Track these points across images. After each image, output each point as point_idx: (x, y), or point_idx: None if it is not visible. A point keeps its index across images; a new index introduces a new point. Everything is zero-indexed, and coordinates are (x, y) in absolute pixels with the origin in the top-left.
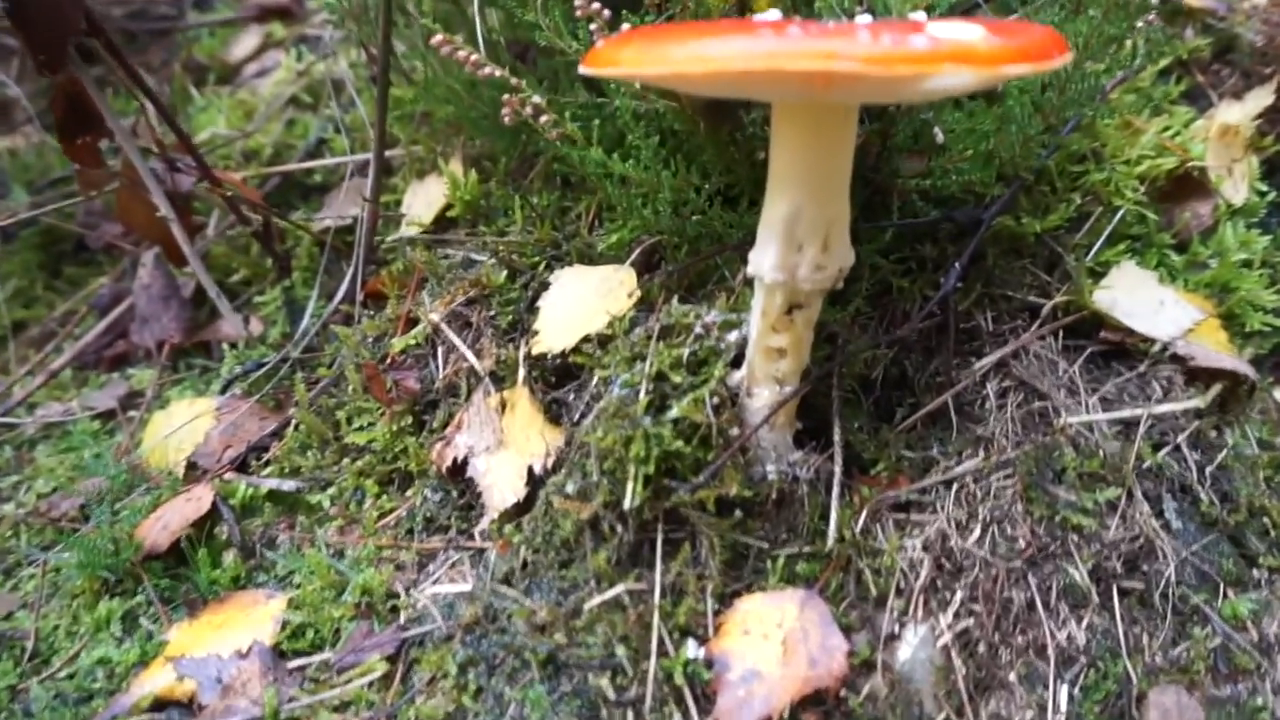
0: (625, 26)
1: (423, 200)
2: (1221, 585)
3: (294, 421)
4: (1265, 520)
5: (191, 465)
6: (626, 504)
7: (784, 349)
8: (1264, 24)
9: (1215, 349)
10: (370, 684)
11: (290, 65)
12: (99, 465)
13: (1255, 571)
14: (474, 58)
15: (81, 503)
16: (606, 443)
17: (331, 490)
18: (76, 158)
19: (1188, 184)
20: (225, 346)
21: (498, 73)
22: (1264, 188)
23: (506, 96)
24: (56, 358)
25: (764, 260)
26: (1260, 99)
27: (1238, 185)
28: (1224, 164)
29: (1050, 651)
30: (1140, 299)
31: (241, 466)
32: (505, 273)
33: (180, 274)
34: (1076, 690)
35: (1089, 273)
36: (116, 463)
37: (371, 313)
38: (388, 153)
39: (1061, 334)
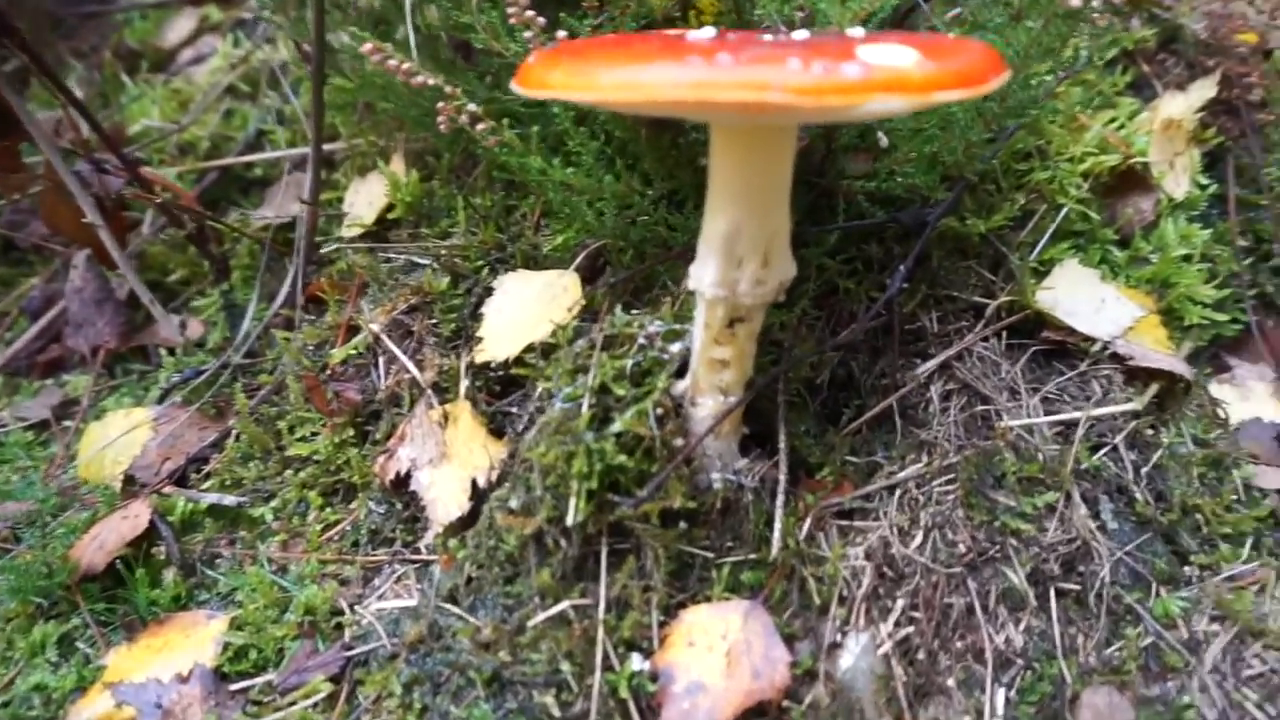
0: (561, 34)
1: (365, 198)
2: (1154, 584)
3: (235, 432)
4: (1198, 517)
5: (129, 479)
6: (569, 520)
7: (727, 360)
8: (1206, 15)
9: (1154, 347)
10: (314, 705)
11: (227, 53)
12: (28, 489)
13: (1187, 569)
14: (406, 66)
15: (11, 524)
16: (549, 459)
17: (274, 503)
18: None
19: (1130, 179)
20: (163, 352)
21: (431, 81)
22: (1205, 180)
23: (441, 105)
24: None
25: (704, 276)
26: (1203, 91)
27: (1179, 179)
28: (1166, 158)
29: (988, 655)
30: (1082, 297)
31: (180, 479)
32: (448, 279)
33: (114, 275)
34: (1013, 693)
35: (1033, 271)
36: (45, 485)
37: (313, 317)
38: (329, 146)
39: (1005, 334)
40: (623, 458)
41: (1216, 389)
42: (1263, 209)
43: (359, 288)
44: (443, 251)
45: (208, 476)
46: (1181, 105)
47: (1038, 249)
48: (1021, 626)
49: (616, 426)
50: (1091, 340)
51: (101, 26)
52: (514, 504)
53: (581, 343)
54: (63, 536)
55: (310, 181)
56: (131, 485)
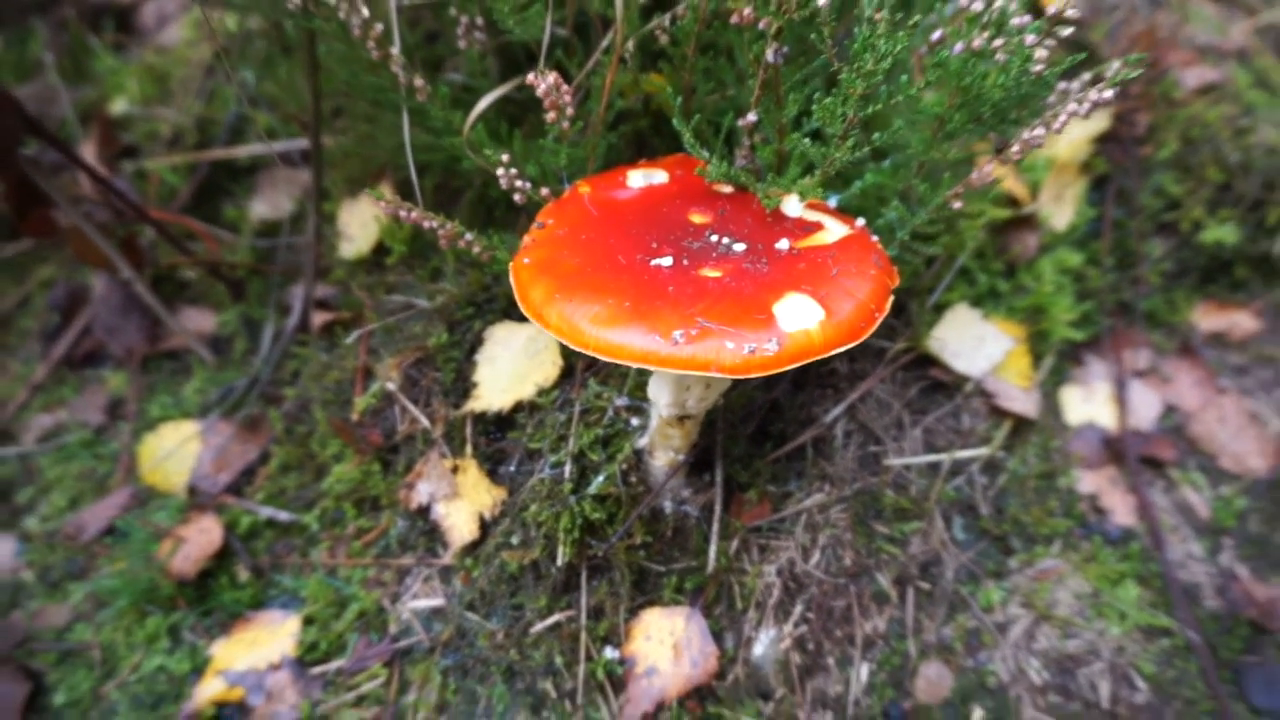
0: (544, 191)
1: (358, 220)
2: (983, 579)
3: (273, 448)
4: (1025, 522)
5: (192, 489)
6: (559, 561)
7: (678, 436)
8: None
9: (1016, 380)
10: (376, 685)
11: (194, 18)
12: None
13: (1011, 563)
14: (414, 214)
15: (108, 527)
16: (542, 518)
17: (316, 511)
18: (32, 231)
19: (1021, 221)
20: (192, 359)
21: (436, 224)
22: (1087, 206)
23: (442, 230)
24: (30, 366)
25: (660, 399)
26: (1099, 121)
27: (1065, 211)
28: (1056, 193)
29: (859, 640)
30: (966, 337)
31: (235, 490)
32: (446, 332)
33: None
34: (873, 665)
35: (930, 314)
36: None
37: (325, 343)
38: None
39: (901, 373)
40: (598, 513)
41: (1067, 390)
42: (1131, 228)
43: (367, 334)
44: (437, 296)
45: (257, 488)
46: (1078, 131)
47: (936, 294)
48: (885, 617)
49: (593, 489)
50: (966, 378)
51: None
52: (514, 541)
53: (561, 415)
54: (151, 545)
55: (312, 231)
56: (194, 495)
